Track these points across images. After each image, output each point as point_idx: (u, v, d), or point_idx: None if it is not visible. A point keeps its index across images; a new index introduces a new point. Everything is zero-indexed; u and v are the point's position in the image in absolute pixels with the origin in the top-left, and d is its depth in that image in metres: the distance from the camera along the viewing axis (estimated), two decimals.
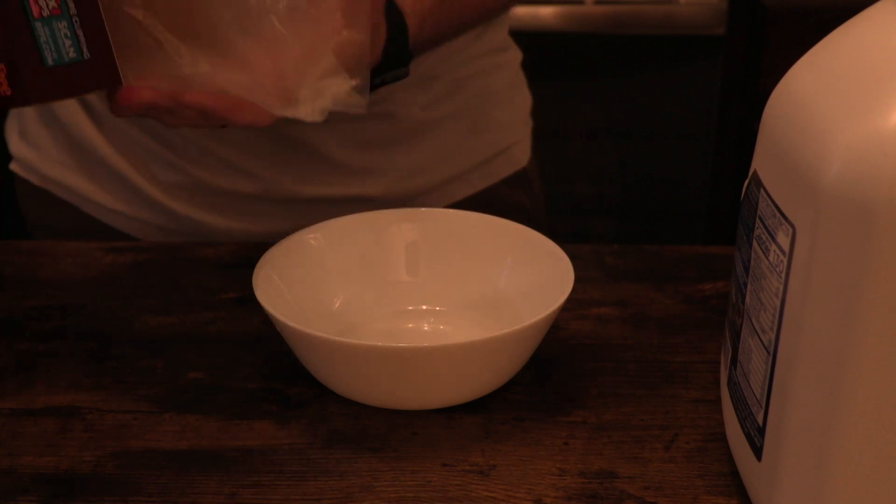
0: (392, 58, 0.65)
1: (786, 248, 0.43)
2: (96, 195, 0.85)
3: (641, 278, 0.71)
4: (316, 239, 0.65)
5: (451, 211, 0.68)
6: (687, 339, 0.65)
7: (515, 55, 0.92)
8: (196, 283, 0.71)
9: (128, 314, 0.67)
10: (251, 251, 0.65)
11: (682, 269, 0.73)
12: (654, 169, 2.02)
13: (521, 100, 0.93)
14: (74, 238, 0.84)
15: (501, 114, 0.90)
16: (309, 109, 0.58)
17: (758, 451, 0.47)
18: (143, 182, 0.83)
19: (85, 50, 0.53)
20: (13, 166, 0.91)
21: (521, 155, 0.92)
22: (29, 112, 0.87)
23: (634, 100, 1.97)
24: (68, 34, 0.52)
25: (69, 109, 0.84)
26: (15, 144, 0.90)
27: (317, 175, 0.82)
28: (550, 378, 0.61)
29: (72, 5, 0.52)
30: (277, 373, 0.61)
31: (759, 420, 0.47)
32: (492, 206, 0.86)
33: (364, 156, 0.82)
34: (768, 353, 0.45)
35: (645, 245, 0.77)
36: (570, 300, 0.59)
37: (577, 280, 0.60)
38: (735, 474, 0.53)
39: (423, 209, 0.68)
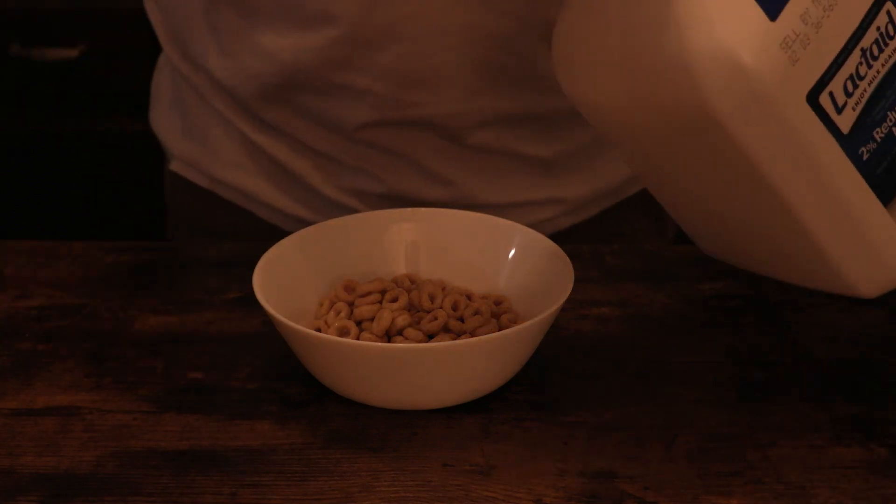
0: None
1: None
2: (279, 201, 0.82)
3: (641, 278, 0.71)
4: (316, 239, 0.65)
5: (452, 211, 0.68)
6: (687, 339, 0.65)
7: None
8: (196, 283, 0.71)
9: (128, 314, 0.67)
10: (251, 251, 0.65)
11: (682, 269, 0.73)
12: None
13: None
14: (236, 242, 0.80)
15: None
16: None
17: None
18: (333, 189, 0.80)
19: None
20: (175, 166, 0.86)
21: None
22: (197, 110, 0.82)
23: None
24: None
25: (238, 112, 0.80)
26: (177, 143, 0.85)
27: (513, 178, 0.80)
28: (550, 378, 0.61)
29: None
30: (277, 373, 0.61)
31: None
32: (653, 199, 0.86)
33: (563, 159, 0.81)
34: None
35: (645, 245, 0.77)
36: (570, 300, 0.59)
37: (577, 280, 0.60)
38: (735, 474, 0.53)
39: (422, 209, 0.68)
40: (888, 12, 0.48)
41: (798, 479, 0.53)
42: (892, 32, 0.48)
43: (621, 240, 0.81)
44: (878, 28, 0.48)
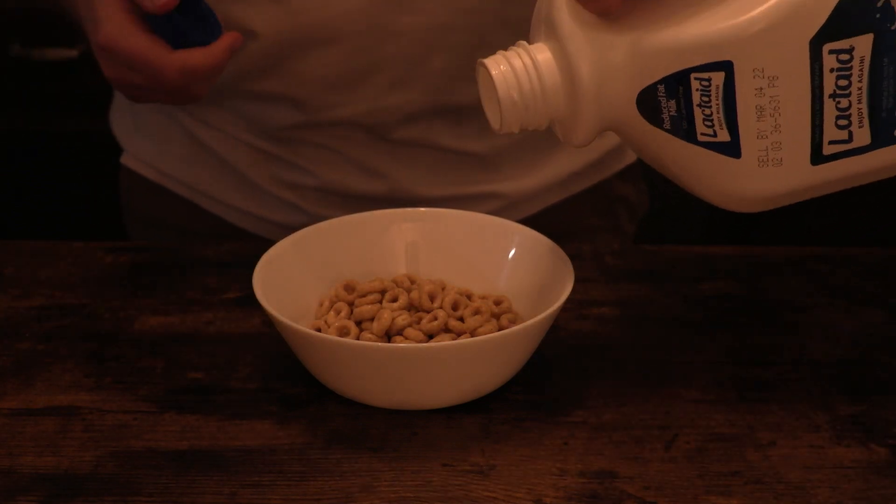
0: None
1: None
2: (221, 193, 0.84)
3: (641, 278, 0.71)
4: (316, 239, 0.65)
5: (451, 211, 0.68)
6: (687, 339, 0.65)
7: None
8: (196, 283, 0.71)
9: (128, 314, 0.67)
10: (251, 251, 0.65)
11: (682, 269, 0.73)
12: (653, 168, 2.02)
13: None
14: (191, 236, 0.82)
15: None
16: None
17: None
18: (269, 183, 0.82)
19: None
20: (125, 160, 0.88)
21: (632, 152, 0.91)
22: (145, 105, 0.84)
23: None
24: None
25: (180, 108, 0.81)
26: (128, 137, 0.87)
27: (446, 172, 0.80)
28: (550, 378, 0.61)
29: None
30: (277, 373, 0.61)
31: None
32: (604, 197, 0.87)
33: (498, 154, 0.81)
34: None
35: (645, 245, 0.77)
36: (570, 300, 0.59)
37: (577, 280, 0.60)
38: (735, 474, 0.53)
39: (422, 209, 0.68)
40: (830, 51, 0.49)
41: (798, 479, 0.53)
42: (846, 58, 0.49)
43: (574, 238, 0.81)
44: (832, 69, 0.49)
